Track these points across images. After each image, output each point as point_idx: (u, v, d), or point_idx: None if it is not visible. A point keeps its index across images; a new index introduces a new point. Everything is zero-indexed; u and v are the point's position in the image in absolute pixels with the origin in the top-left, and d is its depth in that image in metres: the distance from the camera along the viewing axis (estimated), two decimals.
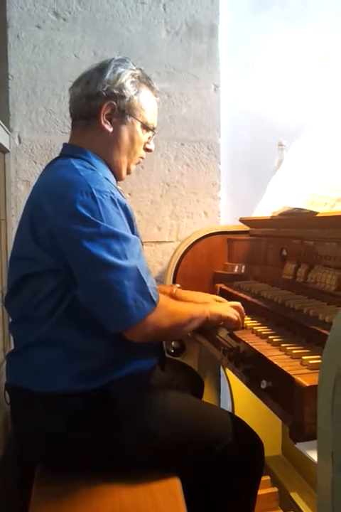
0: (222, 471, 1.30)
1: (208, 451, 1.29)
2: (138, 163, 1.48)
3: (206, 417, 1.36)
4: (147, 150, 1.47)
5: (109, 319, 1.21)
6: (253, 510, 1.39)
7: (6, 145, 2.00)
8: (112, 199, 1.22)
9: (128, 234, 1.23)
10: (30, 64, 2.09)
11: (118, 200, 1.23)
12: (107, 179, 1.30)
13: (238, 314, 1.44)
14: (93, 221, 1.17)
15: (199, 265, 2.01)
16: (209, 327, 1.52)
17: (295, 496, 1.86)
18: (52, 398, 1.24)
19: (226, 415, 1.40)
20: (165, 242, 2.24)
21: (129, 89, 1.35)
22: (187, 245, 2.01)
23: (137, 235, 1.30)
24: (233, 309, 1.45)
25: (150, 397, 1.33)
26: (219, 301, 1.58)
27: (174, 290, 1.68)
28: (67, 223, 1.19)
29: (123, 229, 1.22)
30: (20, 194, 2.10)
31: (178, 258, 1.99)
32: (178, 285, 1.76)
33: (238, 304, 1.49)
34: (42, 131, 2.12)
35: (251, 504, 1.39)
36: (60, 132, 2.12)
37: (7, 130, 2.02)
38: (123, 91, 1.34)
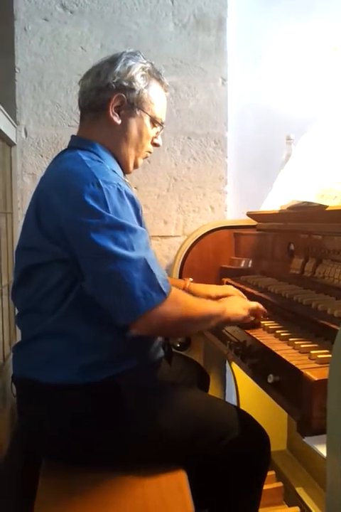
0: (228, 464, 1.30)
1: (214, 445, 1.29)
2: (146, 157, 1.47)
3: (213, 411, 1.35)
4: (155, 145, 1.46)
5: (116, 310, 1.20)
6: (258, 504, 1.39)
7: (13, 138, 2.00)
8: (119, 190, 1.21)
9: (135, 225, 1.22)
10: (37, 57, 2.09)
11: (125, 191, 1.23)
12: (114, 171, 1.30)
13: (259, 308, 1.41)
14: (99, 212, 1.17)
15: (205, 260, 2.00)
16: None
17: (300, 491, 1.85)
18: (58, 389, 1.24)
19: (232, 409, 1.39)
20: (171, 236, 2.24)
21: (139, 83, 1.35)
22: (194, 240, 2.00)
23: (144, 228, 1.30)
24: (251, 304, 1.42)
25: (156, 391, 1.33)
26: (237, 295, 1.55)
27: (187, 284, 1.65)
28: (74, 215, 1.18)
29: (130, 220, 1.21)
30: (26, 187, 2.10)
31: (185, 252, 1.99)
32: (191, 279, 1.71)
33: (258, 304, 1.45)
34: (49, 125, 2.12)
35: (257, 498, 1.39)
36: (66, 126, 2.12)
37: (14, 123, 2.02)
38: (133, 84, 1.34)
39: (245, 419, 1.36)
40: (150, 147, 1.45)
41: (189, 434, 1.28)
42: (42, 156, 2.12)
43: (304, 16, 2.26)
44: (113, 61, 1.35)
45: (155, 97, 1.39)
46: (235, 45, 2.22)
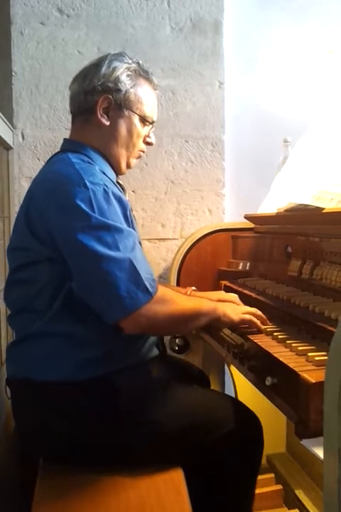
0: (222, 456, 1.30)
1: (209, 437, 1.29)
2: (139, 157, 1.48)
3: (206, 403, 1.36)
4: (147, 143, 1.46)
5: (103, 310, 1.21)
6: (253, 496, 1.39)
7: (10, 142, 2.00)
8: (105, 191, 1.21)
9: (121, 226, 1.21)
10: (33, 60, 2.09)
11: (112, 192, 1.23)
12: (104, 173, 1.30)
13: (254, 316, 1.38)
14: (85, 213, 1.17)
15: (203, 262, 2.00)
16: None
17: (299, 494, 1.85)
18: (53, 387, 1.24)
19: (226, 400, 1.41)
20: (169, 239, 2.24)
21: (125, 83, 1.36)
22: (192, 242, 2.00)
23: (133, 228, 1.30)
24: (248, 308, 1.40)
25: (150, 388, 1.33)
26: (235, 302, 1.50)
27: (188, 293, 1.63)
28: (61, 215, 1.20)
29: (116, 221, 1.21)
30: (23, 191, 2.08)
31: (182, 255, 1.99)
32: (194, 288, 1.69)
33: (255, 310, 1.42)
34: (46, 128, 2.12)
35: (251, 490, 1.38)
36: (63, 129, 2.12)
37: (10, 127, 2.02)
38: (119, 84, 1.35)
39: (239, 408, 1.37)
40: (142, 146, 1.45)
41: (183, 427, 1.28)
42: (39, 159, 2.12)
43: (299, 19, 2.27)
44: (98, 63, 1.37)
45: (144, 96, 1.40)
46: (231, 49, 2.23)
